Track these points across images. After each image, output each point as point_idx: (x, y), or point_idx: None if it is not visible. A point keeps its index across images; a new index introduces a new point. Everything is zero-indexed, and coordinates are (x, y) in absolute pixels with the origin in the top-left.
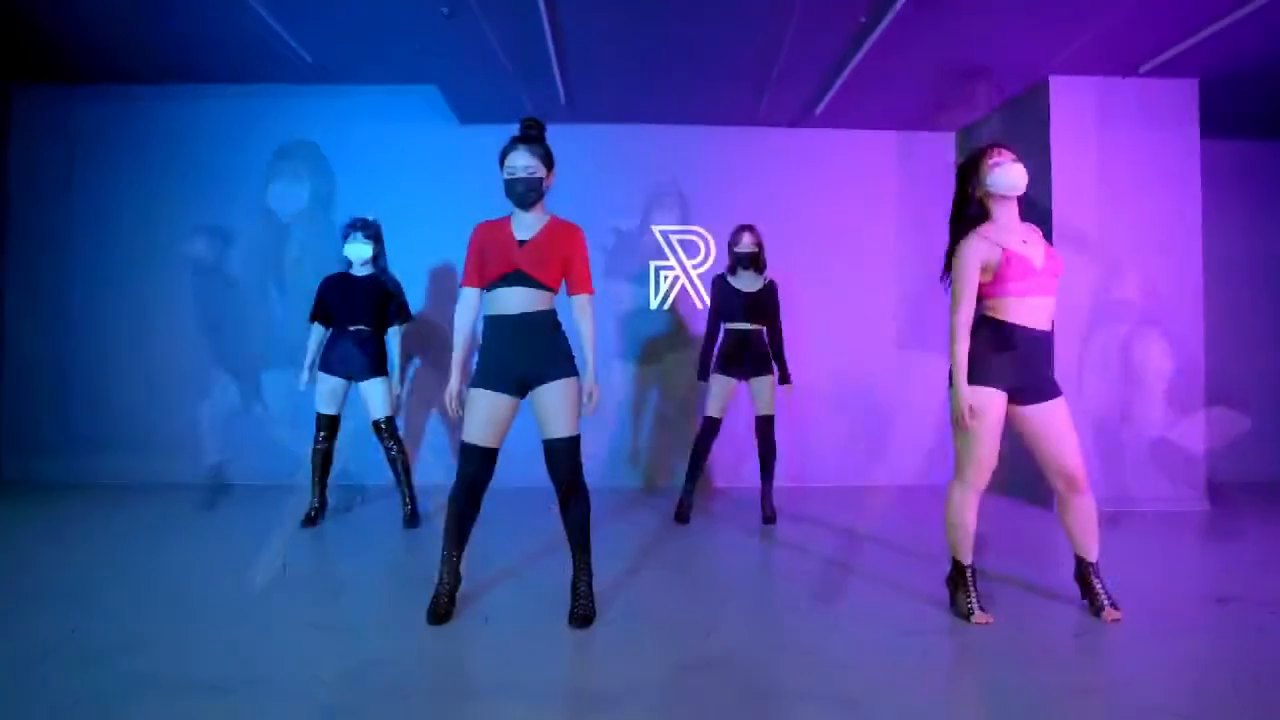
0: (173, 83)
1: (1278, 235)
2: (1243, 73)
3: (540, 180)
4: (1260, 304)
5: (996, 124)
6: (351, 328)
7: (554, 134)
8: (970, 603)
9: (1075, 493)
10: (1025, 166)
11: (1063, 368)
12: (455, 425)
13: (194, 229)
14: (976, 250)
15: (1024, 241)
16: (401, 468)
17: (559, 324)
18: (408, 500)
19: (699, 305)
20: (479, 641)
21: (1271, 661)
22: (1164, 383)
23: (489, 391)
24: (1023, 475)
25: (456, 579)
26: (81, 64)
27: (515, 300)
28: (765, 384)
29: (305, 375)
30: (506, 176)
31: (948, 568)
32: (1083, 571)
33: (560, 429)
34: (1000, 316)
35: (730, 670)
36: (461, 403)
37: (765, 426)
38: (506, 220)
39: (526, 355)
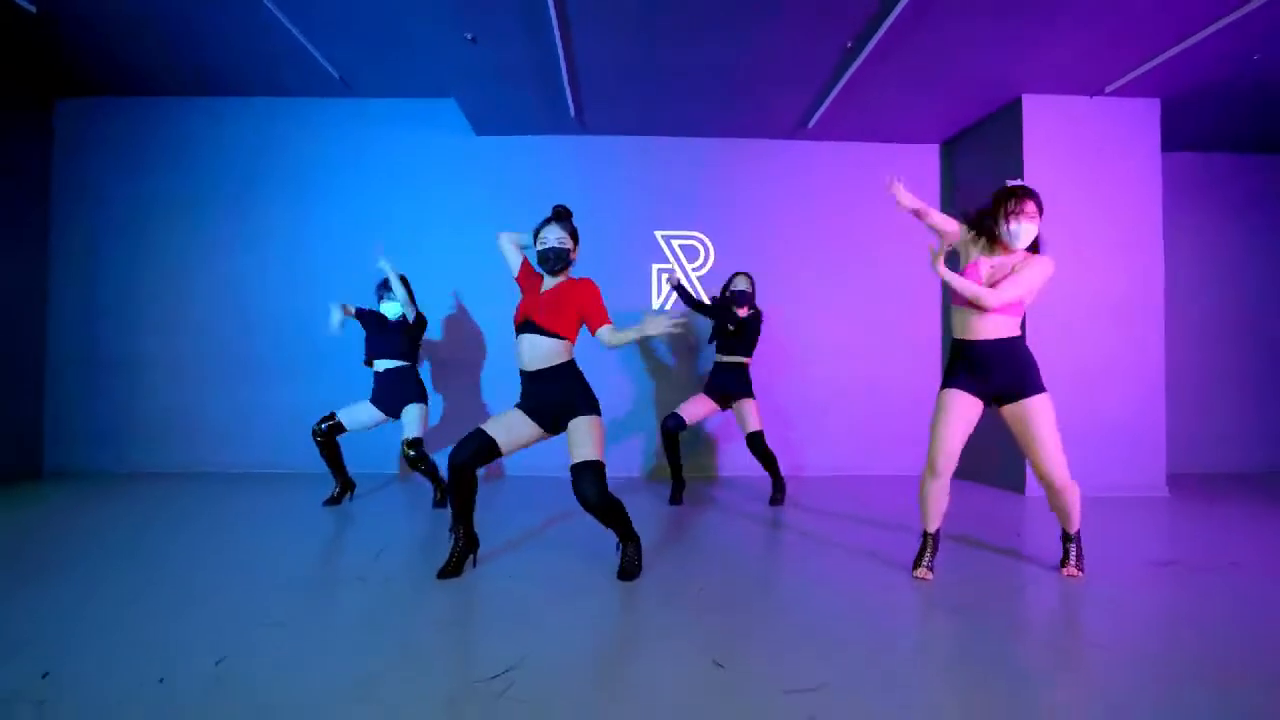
0: (204, 95)
1: (1234, 241)
2: (1201, 92)
3: (568, 251)
4: (1216, 304)
5: (976, 138)
6: (388, 366)
7: (564, 145)
8: (924, 560)
9: (1052, 493)
10: (1003, 179)
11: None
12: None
13: (224, 233)
14: (968, 249)
15: (992, 266)
16: (432, 477)
17: (577, 371)
18: (438, 492)
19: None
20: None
21: (1188, 606)
22: (1127, 380)
23: (522, 412)
24: (993, 464)
25: (472, 541)
26: (120, 79)
27: (527, 352)
28: (746, 406)
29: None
30: (539, 247)
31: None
32: (1065, 536)
33: (582, 454)
34: (955, 333)
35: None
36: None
37: (757, 441)
38: (541, 277)
39: (543, 403)
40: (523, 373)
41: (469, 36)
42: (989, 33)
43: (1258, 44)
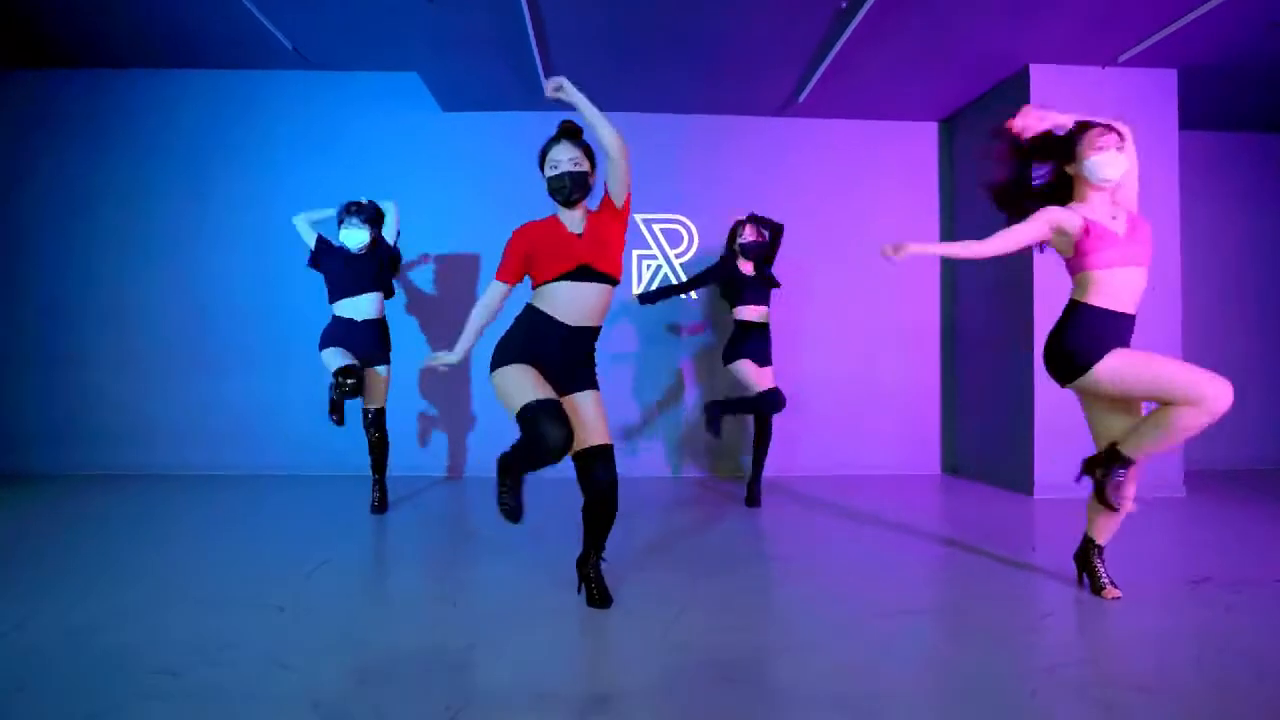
0: (154, 68)
1: (1252, 224)
2: (1219, 65)
3: (585, 174)
4: (1235, 291)
5: (979, 114)
6: (361, 318)
7: (538, 121)
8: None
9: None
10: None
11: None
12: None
13: (175, 216)
14: (1054, 212)
15: (1112, 218)
16: (380, 454)
17: (597, 335)
18: (377, 488)
19: (681, 295)
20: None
21: (1233, 636)
22: None
23: (523, 365)
24: (1002, 464)
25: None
26: (64, 49)
27: (576, 302)
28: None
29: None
30: (550, 173)
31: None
32: (1086, 552)
33: (599, 437)
34: (1089, 300)
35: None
36: (446, 366)
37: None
38: (555, 219)
39: (563, 363)
40: (554, 323)
41: (426, 0)
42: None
43: (1274, 8)
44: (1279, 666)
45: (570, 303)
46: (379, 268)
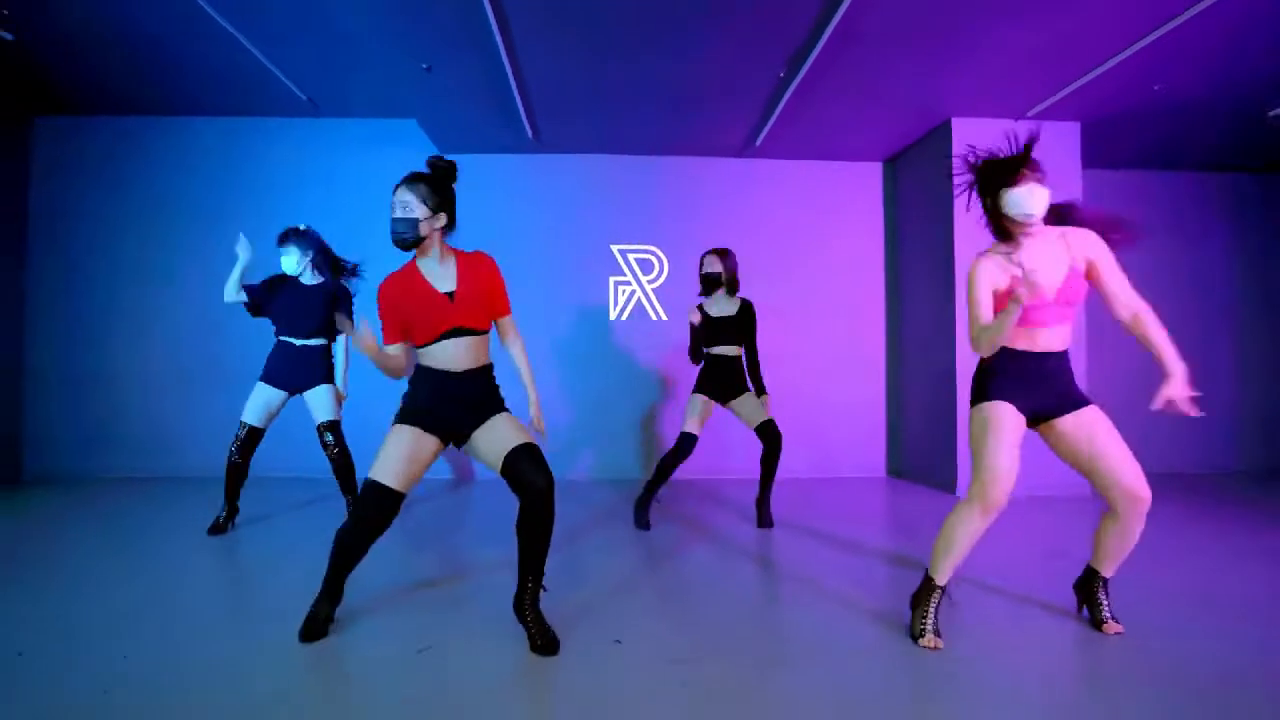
0: (175, 115)
1: (1146, 251)
2: (1116, 116)
3: (416, 221)
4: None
5: (915, 156)
6: (299, 342)
7: (523, 164)
8: (925, 624)
9: (1135, 504)
10: (939, 194)
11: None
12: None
13: (194, 248)
14: (985, 271)
15: (1052, 263)
16: (344, 471)
17: (492, 369)
18: (351, 502)
19: (653, 318)
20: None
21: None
22: None
23: (417, 429)
24: (934, 468)
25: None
26: (94, 98)
27: (459, 356)
28: (746, 401)
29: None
30: (392, 214)
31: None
32: (1089, 583)
33: (518, 439)
34: (1007, 344)
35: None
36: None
37: (768, 430)
38: (413, 269)
39: (465, 407)
40: (439, 374)
41: (425, 67)
42: (910, 64)
43: (1156, 76)
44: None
45: (454, 356)
46: (326, 311)
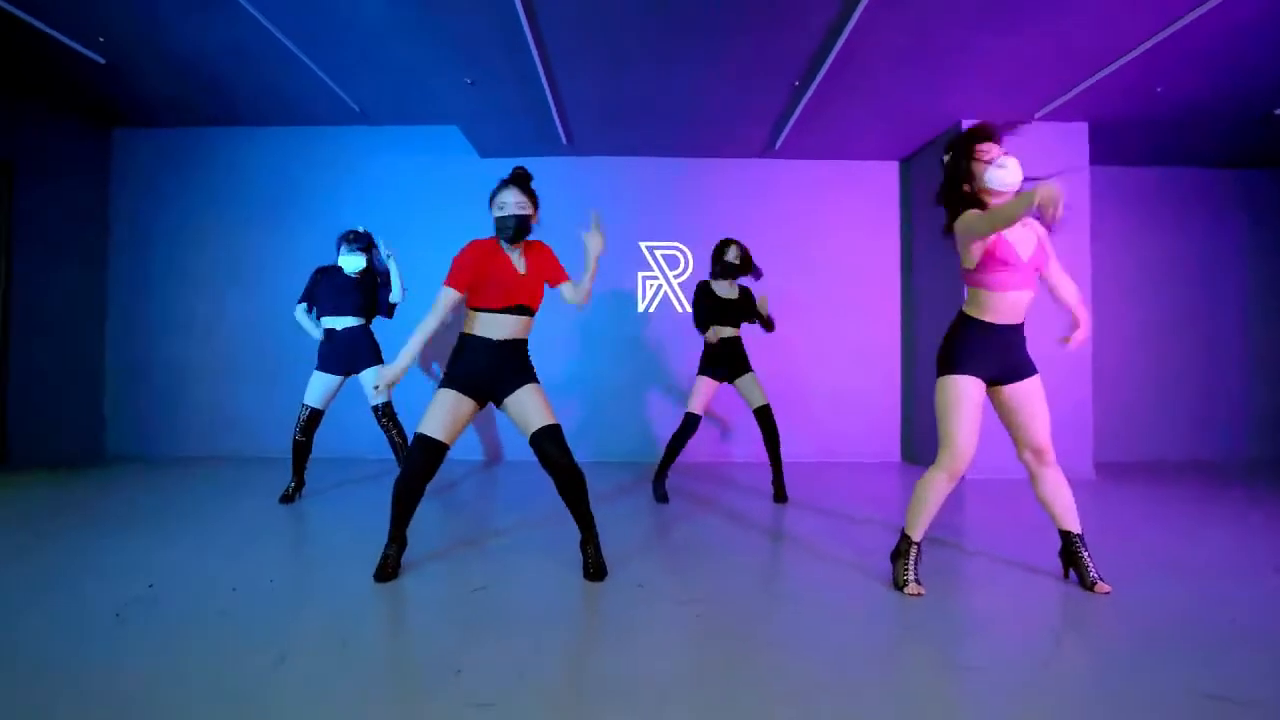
0: (239, 125)
1: (1155, 245)
2: (1120, 117)
3: (528, 218)
4: (1139, 307)
5: (929, 156)
6: (340, 325)
7: (557, 166)
8: (907, 574)
9: (1043, 464)
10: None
11: None
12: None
13: (255, 250)
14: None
15: (1023, 238)
16: (401, 448)
17: (527, 343)
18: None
19: (679, 310)
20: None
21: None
22: (1057, 376)
23: (458, 393)
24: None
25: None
26: (168, 111)
27: (511, 328)
28: (749, 381)
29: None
30: (497, 213)
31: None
32: (1068, 545)
33: (543, 420)
34: (978, 315)
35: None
36: (393, 382)
37: (765, 415)
38: (497, 245)
39: (500, 375)
40: (484, 341)
41: (468, 81)
42: (920, 74)
43: (1157, 79)
44: None
45: (501, 327)
46: (363, 296)
